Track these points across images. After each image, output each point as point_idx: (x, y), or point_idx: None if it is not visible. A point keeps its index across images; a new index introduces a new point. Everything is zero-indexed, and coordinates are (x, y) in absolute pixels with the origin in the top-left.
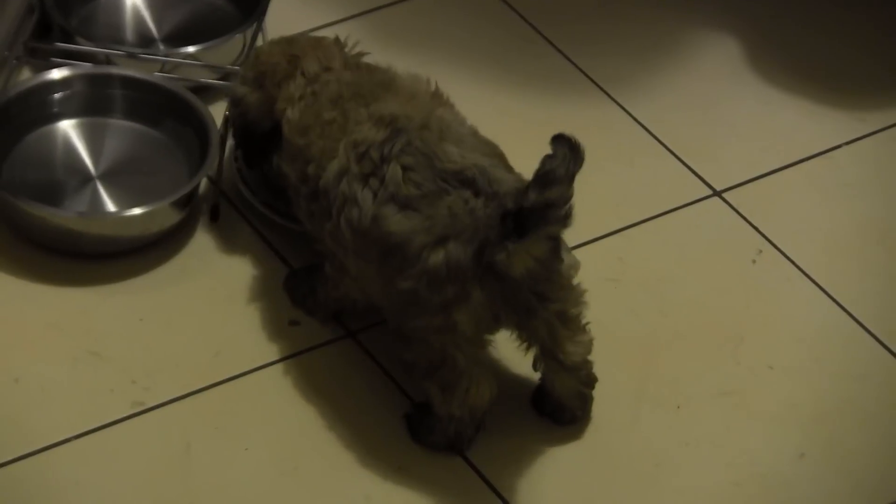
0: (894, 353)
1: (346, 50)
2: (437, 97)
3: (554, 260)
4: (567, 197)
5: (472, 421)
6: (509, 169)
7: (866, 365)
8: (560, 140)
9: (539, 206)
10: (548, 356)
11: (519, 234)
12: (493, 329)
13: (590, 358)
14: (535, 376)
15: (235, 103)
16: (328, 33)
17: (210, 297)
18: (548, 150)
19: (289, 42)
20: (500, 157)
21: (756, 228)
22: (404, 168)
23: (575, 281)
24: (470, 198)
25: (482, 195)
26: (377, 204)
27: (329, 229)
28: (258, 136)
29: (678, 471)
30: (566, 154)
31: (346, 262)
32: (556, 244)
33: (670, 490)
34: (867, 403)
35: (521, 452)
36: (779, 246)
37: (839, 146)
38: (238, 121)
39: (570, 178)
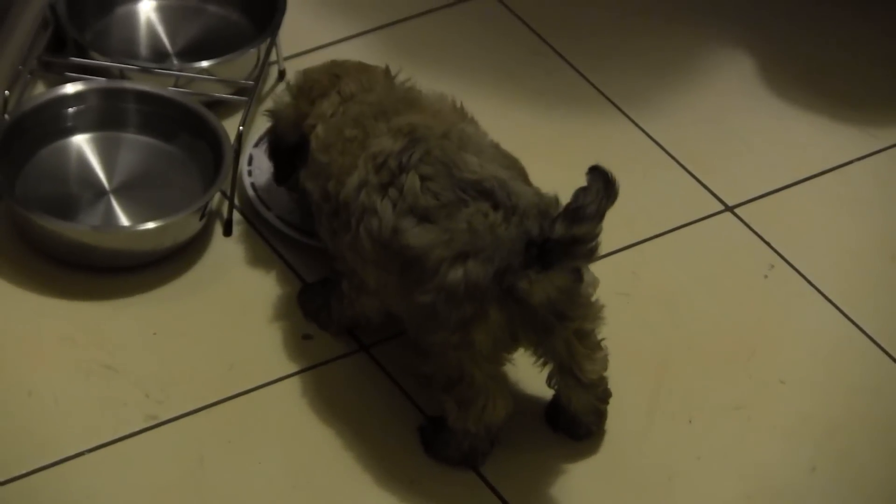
0: None
1: (395, 80)
2: (461, 113)
3: (576, 287)
4: (595, 234)
5: (487, 436)
6: (528, 183)
7: (878, 379)
8: (596, 173)
9: (566, 241)
10: (565, 373)
11: (542, 265)
12: (511, 348)
13: (605, 374)
14: (548, 391)
15: (272, 115)
16: (342, 48)
17: (223, 310)
18: (560, 167)
19: (338, 64)
20: (519, 171)
21: (768, 244)
22: (422, 178)
23: (593, 297)
24: (489, 211)
25: (501, 208)
26: (397, 216)
27: (349, 241)
28: (284, 150)
29: (691, 484)
30: (600, 190)
31: (365, 275)
32: (579, 274)
33: (682, 503)
34: (879, 417)
35: (534, 467)
36: (790, 261)
37: (851, 161)
38: (271, 134)
39: (601, 216)
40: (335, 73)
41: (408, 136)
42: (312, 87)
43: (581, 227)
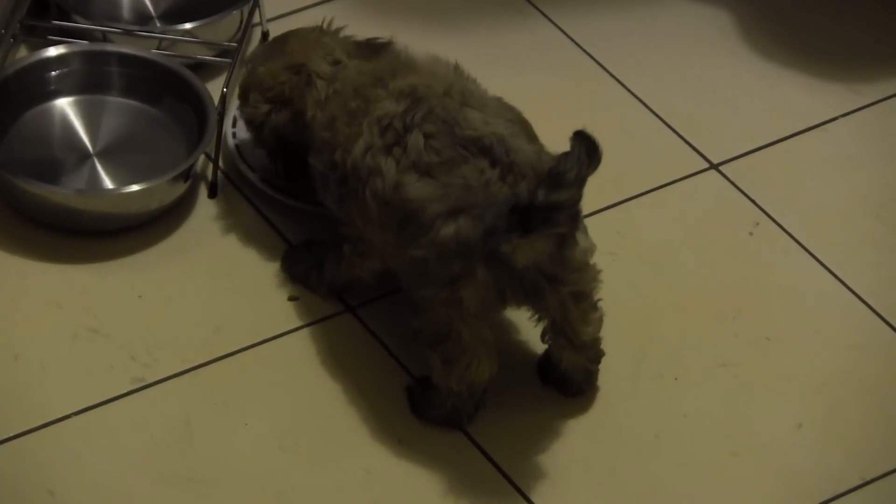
0: (891, 324)
1: (332, 32)
2: (459, 73)
3: (562, 251)
4: (575, 200)
5: (471, 397)
6: (532, 138)
7: (863, 336)
8: (579, 138)
9: (545, 207)
10: (558, 333)
11: (524, 230)
12: (500, 307)
13: (599, 336)
14: (537, 349)
15: (258, 125)
16: (324, 10)
17: (209, 273)
18: (546, 127)
19: (280, 54)
20: (523, 123)
21: (753, 201)
22: (426, 136)
23: (591, 262)
24: (486, 168)
25: (498, 165)
26: (399, 171)
27: (357, 207)
28: (298, 150)
29: (677, 442)
30: (581, 156)
31: (373, 238)
32: (563, 239)
33: (669, 461)
34: (864, 374)
35: (520, 426)
36: (775, 218)
37: (835, 118)
38: (272, 140)
39: (581, 182)
40: (293, 63)
41: (410, 96)
42: (292, 86)
43: (561, 194)
